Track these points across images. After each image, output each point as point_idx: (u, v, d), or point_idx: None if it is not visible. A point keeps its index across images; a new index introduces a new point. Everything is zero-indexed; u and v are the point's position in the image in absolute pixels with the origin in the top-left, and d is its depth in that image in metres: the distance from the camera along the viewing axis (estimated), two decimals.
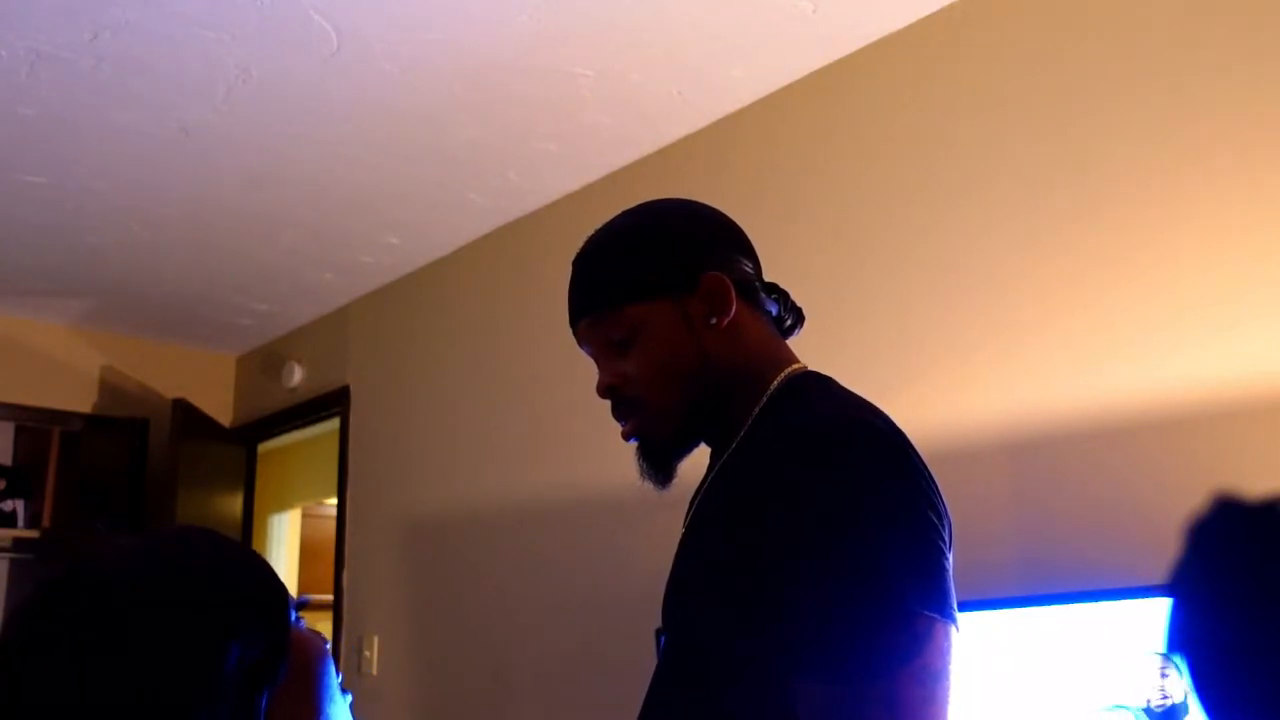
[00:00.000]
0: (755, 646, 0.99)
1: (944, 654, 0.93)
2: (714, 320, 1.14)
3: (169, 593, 0.77)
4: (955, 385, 2.13)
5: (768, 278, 1.24)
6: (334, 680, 0.85)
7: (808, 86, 2.55)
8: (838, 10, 2.31)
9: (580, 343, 1.22)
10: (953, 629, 0.95)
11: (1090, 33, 2.07)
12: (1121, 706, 1.60)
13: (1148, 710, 1.56)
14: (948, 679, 0.93)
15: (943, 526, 1.00)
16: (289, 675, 0.79)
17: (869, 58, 2.43)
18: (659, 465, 1.18)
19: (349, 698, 0.86)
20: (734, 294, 1.15)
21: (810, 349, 1.26)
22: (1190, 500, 0.56)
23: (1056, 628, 1.67)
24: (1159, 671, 1.57)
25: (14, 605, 0.81)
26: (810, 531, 0.96)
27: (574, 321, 1.21)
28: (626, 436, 1.19)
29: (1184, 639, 0.53)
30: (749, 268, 1.20)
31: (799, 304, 1.25)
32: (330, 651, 0.87)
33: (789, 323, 1.23)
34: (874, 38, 2.41)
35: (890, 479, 0.99)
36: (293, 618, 0.83)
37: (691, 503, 1.18)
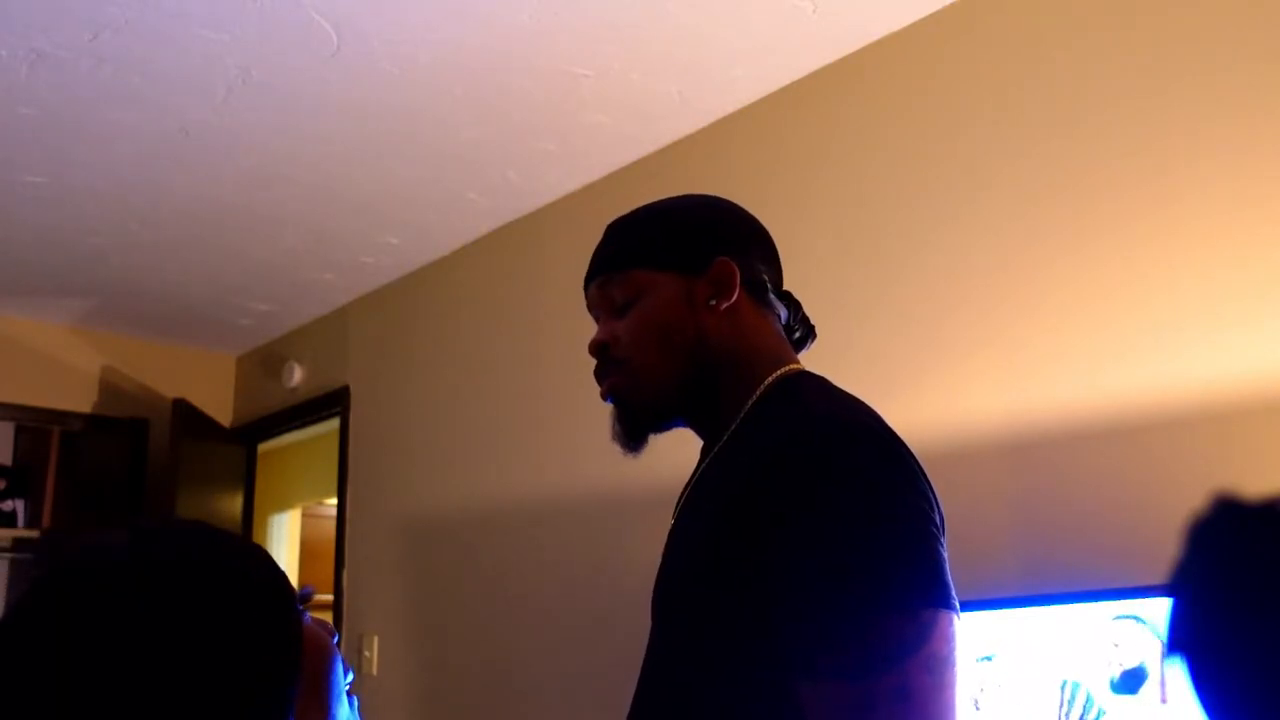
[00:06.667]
0: (753, 644, 0.99)
1: (949, 641, 0.94)
2: (714, 302, 1.16)
3: (185, 597, 0.69)
4: (956, 385, 2.13)
5: None
6: (342, 680, 0.78)
7: (808, 86, 2.55)
8: (838, 10, 2.31)
9: (590, 307, 1.24)
10: (955, 617, 0.96)
11: (1091, 33, 2.07)
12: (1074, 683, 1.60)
13: (1110, 682, 1.56)
14: (955, 666, 0.94)
15: (935, 515, 1.01)
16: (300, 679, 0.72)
17: (869, 58, 2.43)
18: (631, 428, 1.19)
19: (354, 702, 0.79)
20: (739, 282, 1.16)
21: (812, 348, 1.27)
22: (1190, 500, 0.56)
23: (1056, 627, 1.67)
24: (1115, 640, 1.56)
25: (12, 603, 0.74)
26: (807, 529, 0.97)
27: (587, 284, 1.23)
28: (604, 395, 1.20)
29: (1184, 639, 0.53)
30: (766, 273, 1.21)
31: (811, 319, 1.26)
32: (338, 646, 0.80)
33: (798, 334, 1.24)
34: (874, 38, 2.40)
35: (883, 474, 1.00)
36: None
37: (682, 494, 1.18)
